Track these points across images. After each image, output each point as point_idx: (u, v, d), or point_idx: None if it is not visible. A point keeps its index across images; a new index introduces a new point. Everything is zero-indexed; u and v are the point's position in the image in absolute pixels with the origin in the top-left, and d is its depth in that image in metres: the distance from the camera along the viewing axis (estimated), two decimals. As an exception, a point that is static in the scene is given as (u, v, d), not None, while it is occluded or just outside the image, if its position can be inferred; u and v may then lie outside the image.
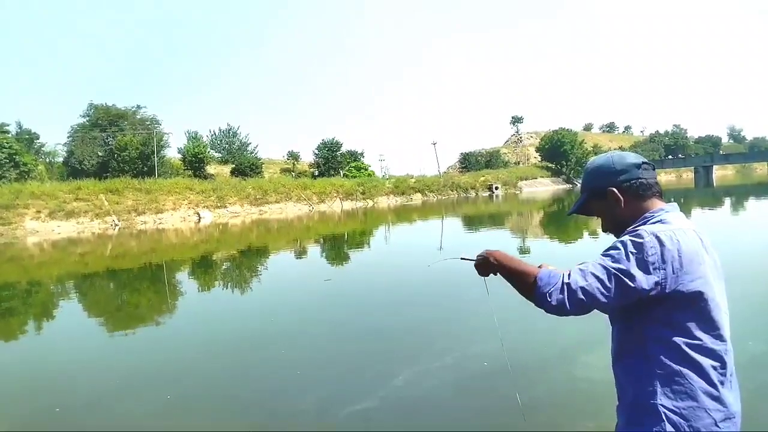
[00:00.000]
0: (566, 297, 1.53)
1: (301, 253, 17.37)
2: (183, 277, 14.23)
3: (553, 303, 1.54)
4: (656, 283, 1.51)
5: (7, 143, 38.12)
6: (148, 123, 49.55)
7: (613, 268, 1.53)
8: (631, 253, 1.53)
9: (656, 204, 1.70)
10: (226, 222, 32.41)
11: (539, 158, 77.17)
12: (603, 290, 1.52)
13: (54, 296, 11.96)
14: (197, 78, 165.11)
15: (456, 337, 6.31)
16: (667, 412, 1.52)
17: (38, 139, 47.51)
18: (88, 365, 6.47)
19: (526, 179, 65.63)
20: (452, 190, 55.74)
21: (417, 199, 51.18)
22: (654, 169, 1.75)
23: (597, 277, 1.53)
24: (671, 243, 1.53)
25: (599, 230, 1.89)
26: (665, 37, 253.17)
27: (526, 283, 1.63)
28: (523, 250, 14.56)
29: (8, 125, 42.44)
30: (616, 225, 1.78)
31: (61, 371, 6.28)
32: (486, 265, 1.81)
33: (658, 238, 1.53)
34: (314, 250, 18.62)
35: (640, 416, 1.58)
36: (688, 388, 1.53)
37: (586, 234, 17.06)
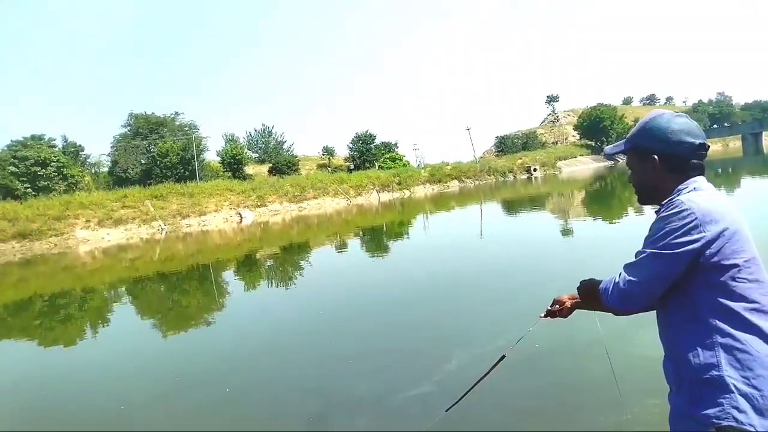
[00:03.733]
0: (621, 295, 1.61)
1: (342, 247, 17.51)
2: (230, 276, 14.53)
3: (612, 302, 1.65)
4: (706, 243, 1.48)
5: (55, 157, 39.64)
6: (186, 129, 50.63)
7: (655, 250, 1.55)
8: (668, 226, 1.53)
9: (690, 178, 1.66)
10: (267, 220, 32.91)
11: (578, 137, 75.47)
12: (651, 280, 1.57)
13: (109, 301, 12.41)
14: (232, 81, 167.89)
15: (505, 321, 6.23)
16: (735, 382, 1.44)
17: (83, 151, 49.06)
18: (147, 364, 6.70)
19: (565, 159, 64.29)
20: (489, 175, 55.01)
21: (454, 186, 50.79)
22: (707, 150, 1.69)
23: (643, 266, 1.58)
24: (709, 204, 1.51)
25: (645, 207, 1.90)
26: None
27: (598, 300, 1.72)
28: (566, 231, 14.30)
29: (55, 140, 44.05)
30: (642, 187, 1.77)
31: (121, 371, 6.51)
32: (567, 310, 2.08)
33: (694, 201, 1.51)
34: (355, 243, 18.73)
35: (705, 392, 1.48)
36: (755, 356, 1.44)
37: (631, 211, 16.63)
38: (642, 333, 4.82)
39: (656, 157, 1.67)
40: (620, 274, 1.61)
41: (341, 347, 6.28)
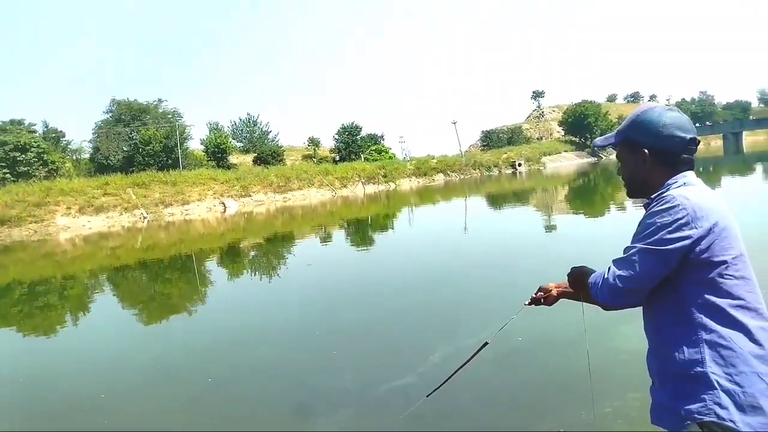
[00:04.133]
0: (611, 290, 1.56)
1: (326, 239, 17.46)
2: (213, 266, 14.43)
3: (602, 297, 1.60)
4: (697, 239, 1.46)
5: (35, 143, 38.89)
6: (170, 116, 49.84)
7: (646, 246, 1.52)
8: (660, 221, 1.50)
9: (680, 173, 1.64)
10: (251, 210, 32.70)
11: (562, 132, 75.96)
12: (642, 273, 1.52)
13: (90, 289, 12.26)
14: (216, 69, 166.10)
15: (489, 314, 6.25)
16: (718, 379, 1.44)
17: (64, 137, 48.14)
18: (128, 353, 6.63)
19: (549, 154, 64.66)
20: (475, 169, 55.17)
21: (439, 179, 50.87)
22: (697, 145, 1.67)
23: (633, 262, 1.53)
24: (699, 199, 1.49)
25: (627, 203, 1.86)
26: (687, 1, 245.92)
27: (587, 290, 1.67)
28: (550, 226, 14.41)
29: (35, 125, 43.24)
30: (631, 181, 1.75)
31: (102, 360, 6.45)
32: (552, 298, 2.08)
33: (685, 196, 1.49)
34: (340, 235, 18.70)
35: (688, 387, 1.48)
36: (738, 353, 1.44)
37: (613, 206, 16.81)
38: (625, 328, 4.87)
39: (647, 150, 1.65)
40: (609, 269, 1.58)
41: (325, 338, 6.26)
